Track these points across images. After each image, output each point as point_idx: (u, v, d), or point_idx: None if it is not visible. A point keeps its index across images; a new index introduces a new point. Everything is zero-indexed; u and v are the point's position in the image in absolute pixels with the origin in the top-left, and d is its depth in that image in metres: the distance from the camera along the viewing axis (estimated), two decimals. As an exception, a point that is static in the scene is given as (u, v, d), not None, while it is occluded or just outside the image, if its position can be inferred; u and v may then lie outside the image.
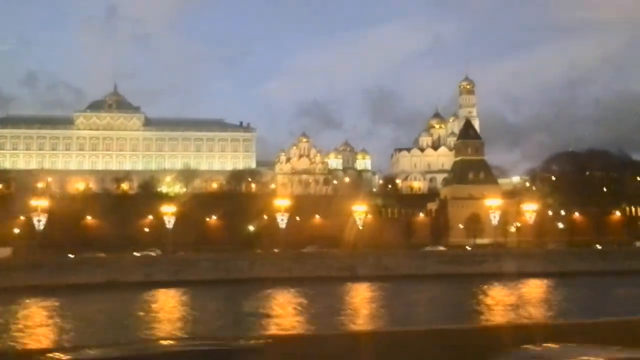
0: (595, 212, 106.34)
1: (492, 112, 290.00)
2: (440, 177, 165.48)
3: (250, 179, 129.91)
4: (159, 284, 58.38)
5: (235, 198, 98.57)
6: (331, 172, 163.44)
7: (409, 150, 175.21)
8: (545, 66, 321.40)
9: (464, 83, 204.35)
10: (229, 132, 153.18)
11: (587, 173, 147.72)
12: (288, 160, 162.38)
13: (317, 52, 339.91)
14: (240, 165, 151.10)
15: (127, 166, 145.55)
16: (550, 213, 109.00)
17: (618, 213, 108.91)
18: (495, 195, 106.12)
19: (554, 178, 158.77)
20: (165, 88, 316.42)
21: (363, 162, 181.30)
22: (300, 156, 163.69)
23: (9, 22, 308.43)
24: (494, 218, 71.77)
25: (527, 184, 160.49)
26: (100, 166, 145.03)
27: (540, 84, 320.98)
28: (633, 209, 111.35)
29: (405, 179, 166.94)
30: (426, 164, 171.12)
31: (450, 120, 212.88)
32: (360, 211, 78.92)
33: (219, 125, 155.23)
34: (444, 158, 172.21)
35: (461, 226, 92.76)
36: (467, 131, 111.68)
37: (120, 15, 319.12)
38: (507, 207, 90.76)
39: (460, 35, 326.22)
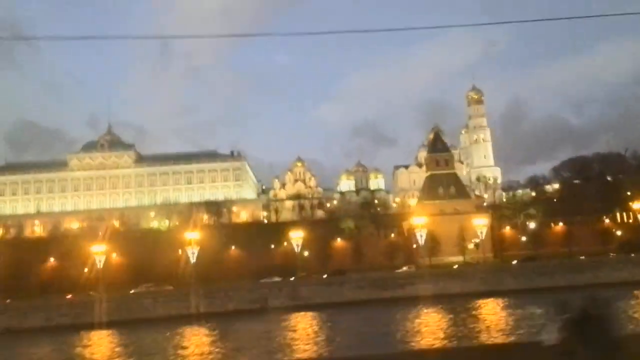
0: (580, 222, 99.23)
1: (552, 116, 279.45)
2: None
3: (229, 208, 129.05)
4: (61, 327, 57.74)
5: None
6: (327, 196, 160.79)
7: (406, 167, 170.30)
8: (608, 65, 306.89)
9: (471, 93, 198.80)
10: (217, 163, 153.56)
11: (608, 179, 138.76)
12: (283, 185, 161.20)
13: (366, 72, 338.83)
14: (232, 194, 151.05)
15: (120, 203, 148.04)
16: (532, 225, 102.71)
17: (607, 221, 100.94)
18: (469, 210, 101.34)
19: (557, 186, 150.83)
20: (218, 120, 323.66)
21: (376, 182, 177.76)
22: (296, 181, 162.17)
23: (66, 65, 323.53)
24: (421, 237, 67.47)
25: (533, 194, 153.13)
26: (94, 205, 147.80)
27: (603, 84, 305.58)
28: (625, 215, 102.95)
29: (403, 196, 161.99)
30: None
31: (462, 132, 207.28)
32: (296, 237, 76.20)
33: (210, 156, 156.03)
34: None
35: (413, 246, 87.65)
36: (435, 144, 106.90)
37: (173, 50, 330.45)
38: (467, 223, 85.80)
39: (516, 40, 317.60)
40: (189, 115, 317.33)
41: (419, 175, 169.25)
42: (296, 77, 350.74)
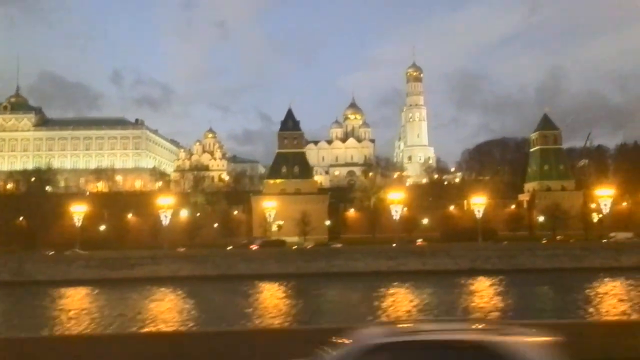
0: (426, 209, 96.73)
1: (592, 93, 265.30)
2: (345, 171, 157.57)
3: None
4: None
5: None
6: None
7: (316, 143, 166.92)
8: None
9: (411, 70, 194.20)
10: (118, 130, 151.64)
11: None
12: (190, 156, 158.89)
13: (397, 40, 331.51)
14: (130, 163, 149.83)
15: (18, 167, 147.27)
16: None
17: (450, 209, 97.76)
18: (311, 190, 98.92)
19: (452, 169, 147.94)
20: (244, 83, 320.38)
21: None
22: (204, 152, 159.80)
23: (95, 21, 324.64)
24: (166, 218, 65.32)
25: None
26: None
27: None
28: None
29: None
30: (334, 156, 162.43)
31: (404, 109, 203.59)
32: (78, 211, 74.41)
33: (113, 123, 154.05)
34: (353, 150, 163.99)
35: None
36: (287, 122, 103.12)
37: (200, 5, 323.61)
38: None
39: (557, 14, 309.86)
40: (215, 76, 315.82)
41: (328, 152, 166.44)
42: (326, 43, 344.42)
